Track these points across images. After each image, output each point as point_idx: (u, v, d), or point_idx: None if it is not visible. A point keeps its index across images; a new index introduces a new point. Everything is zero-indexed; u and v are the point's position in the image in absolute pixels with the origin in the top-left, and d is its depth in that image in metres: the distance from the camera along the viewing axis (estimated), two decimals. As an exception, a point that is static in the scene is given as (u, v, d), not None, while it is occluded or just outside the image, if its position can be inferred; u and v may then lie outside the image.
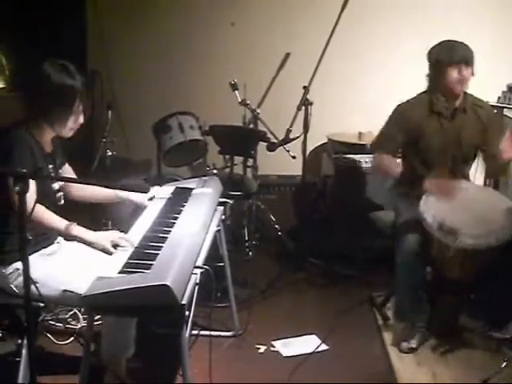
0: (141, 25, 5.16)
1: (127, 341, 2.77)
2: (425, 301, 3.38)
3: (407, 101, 3.59)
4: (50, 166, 2.74)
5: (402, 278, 3.38)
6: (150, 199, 3.05)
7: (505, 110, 4.56)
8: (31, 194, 2.27)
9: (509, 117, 4.51)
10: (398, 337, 3.45)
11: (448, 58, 3.38)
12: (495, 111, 3.87)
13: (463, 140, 3.49)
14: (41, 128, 2.67)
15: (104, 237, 2.64)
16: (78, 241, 2.68)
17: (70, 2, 4.93)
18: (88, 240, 2.64)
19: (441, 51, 3.41)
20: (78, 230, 2.64)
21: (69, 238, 2.68)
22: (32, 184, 2.17)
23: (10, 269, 2.62)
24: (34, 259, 2.63)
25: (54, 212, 2.66)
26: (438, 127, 3.49)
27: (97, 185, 2.90)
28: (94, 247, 2.64)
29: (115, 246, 2.61)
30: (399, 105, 3.59)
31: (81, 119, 2.70)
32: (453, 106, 3.49)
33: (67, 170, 2.96)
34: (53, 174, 2.75)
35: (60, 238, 2.89)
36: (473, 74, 3.42)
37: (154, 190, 3.12)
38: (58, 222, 2.63)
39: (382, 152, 3.60)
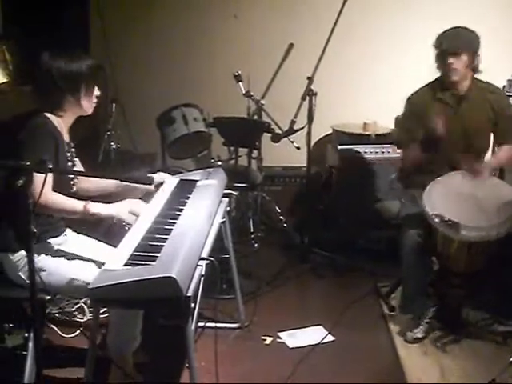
0: (144, 18, 5.15)
1: (133, 333, 2.78)
2: (430, 294, 3.39)
3: (417, 90, 3.58)
4: (68, 155, 2.80)
5: (406, 271, 3.40)
6: (160, 184, 3.06)
7: (510, 98, 4.54)
8: (48, 185, 2.45)
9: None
10: (403, 327, 3.45)
11: (437, 46, 3.40)
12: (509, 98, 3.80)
13: (470, 128, 3.46)
14: (63, 115, 2.75)
15: (122, 207, 2.67)
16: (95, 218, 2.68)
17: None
18: (108, 214, 2.64)
19: (437, 38, 3.41)
20: (95, 207, 2.63)
21: (88, 217, 2.66)
22: (45, 176, 2.18)
23: (18, 256, 2.62)
24: (41, 248, 2.67)
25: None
26: (444, 115, 3.43)
27: (101, 177, 2.91)
28: (112, 220, 2.66)
29: (133, 213, 2.66)
30: (411, 95, 3.57)
31: (98, 92, 2.83)
32: (458, 92, 3.47)
33: (78, 164, 2.97)
34: (70, 163, 2.81)
35: (67, 231, 2.90)
36: (473, 63, 3.40)
37: (163, 176, 3.13)
38: (76, 204, 2.63)
39: (406, 147, 3.58)
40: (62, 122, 2.75)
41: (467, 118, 3.46)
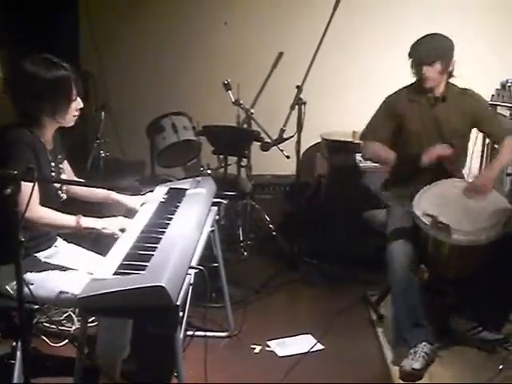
0: (133, 25, 5.15)
1: (122, 342, 2.76)
2: (423, 317, 3.23)
3: (395, 92, 3.68)
4: (52, 164, 2.74)
5: (398, 298, 3.26)
6: (142, 205, 3.03)
7: (498, 107, 4.58)
8: (35, 200, 2.40)
9: (502, 114, 4.52)
10: (392, 336, 3.34)
11: (411, 55, 3.52)
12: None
13: (445, 129, 3.52)
14: (41, 125, 2.67)
15: (113, 223, 2.68)
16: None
17: (62, 3, 4.91)
18: (99, 228, 2.65)
19: (411, 48, 3.52)
20: (87, 222, 2.63)
21: (80, 232, 2.66)
22: (32, 185, 2.15)
23: (6, 268, 2.59)
24: (31, 261, 2.65)
25: (59, 209, 2.65)
26: (418, 116, 3.54)
27: (90, 186, 2.90)
28: (103, 233, 2.66)
29: (122, 230, 2.67)
30: (388, 96, 3.68)
31: (80, 103, 2.73)
32: (433, 95, 3.54)
33: (66, 167, 2.95)
34: (54, 173, 2.74)
35: (58, 242, 2.89)
36: (447, 69, 3.48)
37: (145, 197, 3.10)
38: (68, 220, 2.62)
39: (372, 139, 3.65)
40: (41, 132, 2.67)
41: (442, 120, 3.52)
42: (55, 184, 2.77)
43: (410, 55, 3.51)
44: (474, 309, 3.41)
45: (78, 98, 2.71)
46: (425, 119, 3.54)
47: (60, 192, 2.80)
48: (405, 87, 3.66)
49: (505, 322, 3.40)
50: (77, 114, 2.74)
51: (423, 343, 3.18)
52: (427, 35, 3.51)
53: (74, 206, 2.95)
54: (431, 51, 3.45)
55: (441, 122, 3.53)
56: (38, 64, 2.59)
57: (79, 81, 2.72)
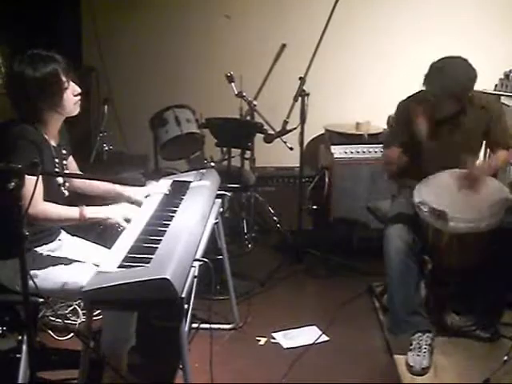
0: (136, 19, 5.13)
1: (127, 334, 2.77)
2: (420, 306, 3.28)
3: (408, 98, 3.49)
4: (56, 160, 2.73)
5: (394, 285, 3.27)
6: (146, 197, 3.04)
7: (502, 97, 4.57)
8: (39, 195, 2.39)
9: (506, 104, 4.51)
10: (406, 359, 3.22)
11: (424, 85, 3.26)
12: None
13: (461, 142, 3.38)
14: (44, 120, 2.65)
15: (116, 210, 2.68)
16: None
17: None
18: (103, 218, 2.65)
19: (425, 77, 3.24)
20: (91, 212, 2.63)
21: (85, 222, 2.66)
22: (39, 181, 2.14)
23: (11, 263, 2.60)
24: (35, 254, 2.66)
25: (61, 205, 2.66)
26: (433, 132, 3.34)
27: (94, 179, 2.90)
28: (107, 223, 2.67)
29: (127, 220, 2.66)
30: (401, 102, 3.52)
31: (76, 89, 2.69)
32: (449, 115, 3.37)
33: (70, 163, 2.95)
34: (58, 169, 2.73)
35: (62, 236, 2.89)
36: (464, 98, 3.27)
37: (150, 188, 3.09)
38: (72, 213, 2.61)
39: (387, 148, 3.56)
40: (45, 127, 2.66)
41: (458, 133, 3.39)
42: (58, 180, 2.75)
43: (424, 85, 3.26)
44: (469, 305, 3.39)
45: (72, 84, 2.67)
46: (442, 133, 3.37)
47: (63, 188, 2.79)
48: (418, 93, 3.42)
49: (495, 323, 3.38)
50: (77, 99, 2.70)
51: (426, 335, 3.21)
52: (444, 64, 3.21)
53: (77, 200, 2.96)
54: (444, 90, 3.19)
55: (455, 140, 3.38)
56: (24, 63, 2.56)
57: (70, 68, 2.67)
